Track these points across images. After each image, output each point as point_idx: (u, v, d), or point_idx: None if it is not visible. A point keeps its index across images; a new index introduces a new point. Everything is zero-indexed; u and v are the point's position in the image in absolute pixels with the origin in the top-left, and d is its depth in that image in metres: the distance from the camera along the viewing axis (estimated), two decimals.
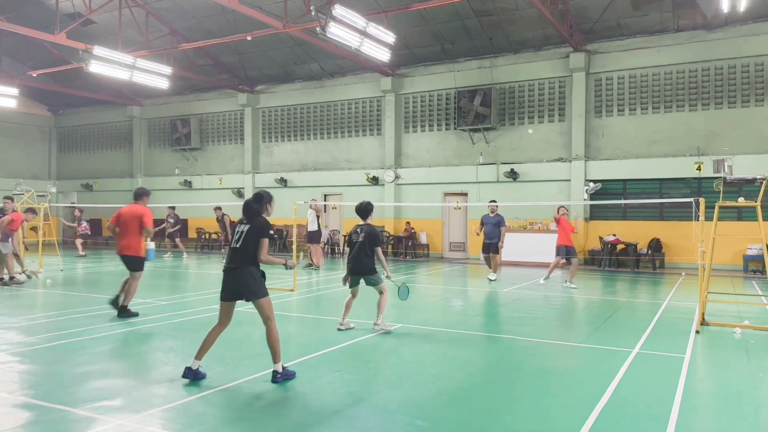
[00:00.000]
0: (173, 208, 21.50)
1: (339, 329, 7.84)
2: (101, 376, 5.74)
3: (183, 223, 26.16)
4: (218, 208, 19.09)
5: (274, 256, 5.72)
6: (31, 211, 13.91)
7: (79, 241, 20.40)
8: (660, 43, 17.85)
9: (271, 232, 5.56)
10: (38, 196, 16.40)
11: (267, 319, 5.53)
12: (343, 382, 5.64)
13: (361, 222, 7.98)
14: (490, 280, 13.78)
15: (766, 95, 16.75)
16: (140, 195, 9.06)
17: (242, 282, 5.46)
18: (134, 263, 8.85)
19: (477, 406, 4.98)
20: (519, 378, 5.87)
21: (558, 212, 13.37)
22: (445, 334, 7.97)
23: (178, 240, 21.12)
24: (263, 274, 5.56)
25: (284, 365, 5.58)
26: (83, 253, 20.11)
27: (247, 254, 5.45)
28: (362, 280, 7.81)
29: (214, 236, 24.34)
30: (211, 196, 25.73)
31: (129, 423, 4.47)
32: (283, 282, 13.23)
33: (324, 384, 5.53)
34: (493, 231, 13.77)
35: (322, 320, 9.04)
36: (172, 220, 21.12)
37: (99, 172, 29.59)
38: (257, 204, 5.63)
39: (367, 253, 7.67)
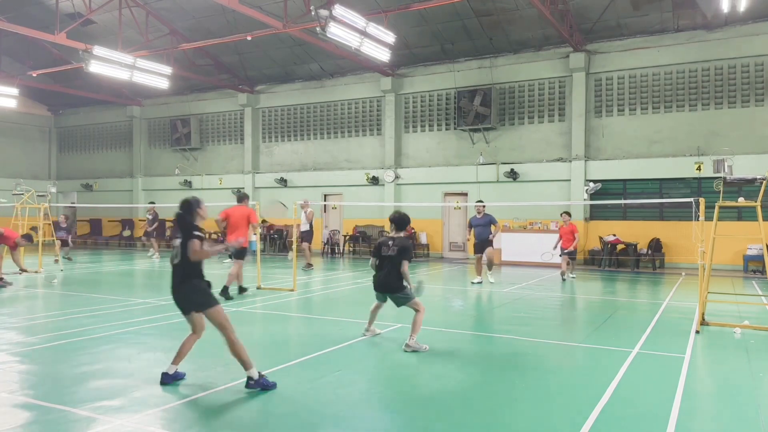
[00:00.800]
0: (153, 203, 21.28)
1: (364, 335, 7.51)
2: (101, 376, 5.73)
3: (170, 223, 26.18)
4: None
5: (209, 247, 5.46)
6: (27, 237, 13.34)
7: (58, 243, 18.85)
8: (660, 43, 17.85)
9: (197, 233, 5.40)
10: (38, 196, 16.38)
11: (222, 328, 5.36)
12: (343, 382, 5.64)
13: (394, 234, 7.24)
14: (491, 282, 13.48)
15: (766, 95, 16.75)
16: (243, 198, 11.23)
17: (187, 297, 5.41)
18: (240, 252, 10.98)
19: (477, 406, 4.98)
20: (519, 378, 5.87)
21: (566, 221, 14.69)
22: (445, 334, 7.96)
23: (153, 239, 20.83)
24: (209, 284, 5.47)
25: (261, 372, 5.35)
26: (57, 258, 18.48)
27: (185, 268, 5.35)
28: (389, 298, 7.21)
29: (213, 236, 24.34)
30: (211, 196, 25.70)
31: (129, 423, 4.47)
32: (283, 282, 13.24)
33: (324, 384, 5.53)
34: (484, 231, 13.41)
35: (322, 320, 9.04)
36: (150, 216, 20.83)
37: (99, 172, 29.59)
38: (186, 213, 5.50)
39: (396, 269, 6.98)
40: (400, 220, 7.21)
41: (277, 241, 23.46)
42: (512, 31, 18.89)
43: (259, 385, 5.25)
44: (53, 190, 17.51)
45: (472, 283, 13.48)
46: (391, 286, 7.04)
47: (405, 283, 7.01)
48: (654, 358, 6.63)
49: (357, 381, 5.71)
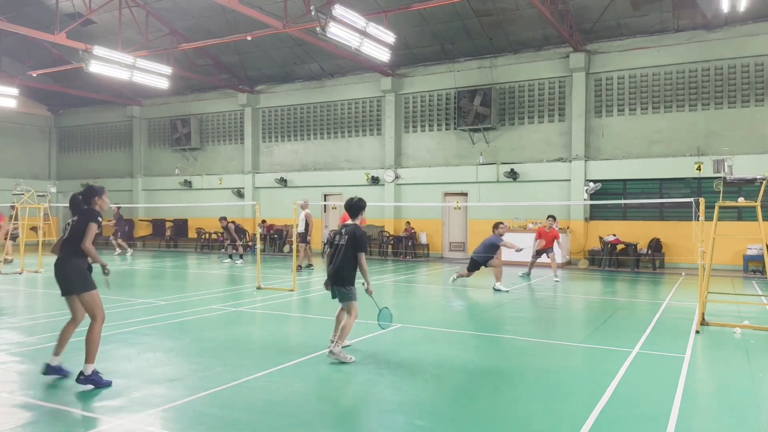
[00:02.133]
0: (119, 207, 21.86)
1: (330, 347, 6.56)
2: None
3: (170, 223, 26.18)
4: (223, 218, 19.16)
5: (101, 256, 5.50)
6: None
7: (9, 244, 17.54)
8: (660, 43, 17.85)
9: (99, 219, 5.42)
10: (38, 196, 16.39)
11: (92, 316, 5.40)
12: (343, 382, 5.64)
13: (349, 221, 6.77)
14: (498, 289, 12.25)
15: (766, 95, 16.75)
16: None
17: (66, 277, 5.41)
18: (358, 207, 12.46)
19: (477, 406, 4.98)
20: (519, 378, 5.87)
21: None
22: (445, 334, 7.96)
23: (112, 238, 21.55)
24: (89, 267, 5.47)
25: (96, 369, 5.30)
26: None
27: (71, 245, 5.36)
28: (335, 290, 6.64)
29: (214, 236, 24.36)
30: (211, 196, 25.74)
31: (129, 423, 4.47)
32: (284, 282, 13.24)
33: (324, 384, 5.53)
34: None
35: (322, 320, 9.04)
36: (114, 218, 21.60)
37: (99, 172, 29.57)
38: (84, 199, 5.53)
39: (348, 260, 6.45)
40: (351, 207, 6.72)
41: (277, 241, 23.46)
42: (512, 31, 18.88)
43: (90, 381, 5.22)
44: (53, 190, 17.50)
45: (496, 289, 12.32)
46: (339, 278, 6.49)
47: (351, 283, 6.50)
48: (654, 358, 6.63)
49: (357, 381, 5.71)
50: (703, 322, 8.33)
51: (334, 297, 6.75)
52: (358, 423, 4.59)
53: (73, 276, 5.39)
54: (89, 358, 5.29)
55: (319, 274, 15.85)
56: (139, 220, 27.64)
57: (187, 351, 6.80)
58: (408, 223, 21.45)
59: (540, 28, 18.41)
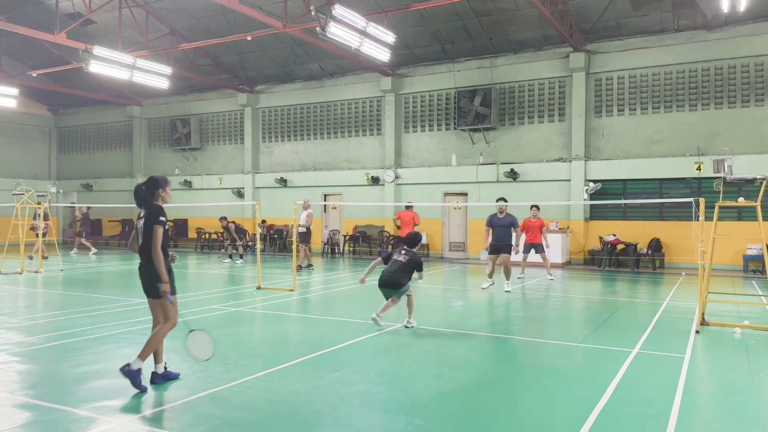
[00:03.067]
0: (89, 208, 22.55)
1: (374, 318, 8.09)
2: (101, 376, 5.73)
3: (170, 223, 26.16)
4: (224, 218, 19.16)
5: (165, 266, 5.22)
6: None
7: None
8: (660, 43, 17.84)
9: (162, 218, 5.24)
10: (38, 196, 16.40)
11: (165, 317, 5.33)
12: (343, 382, 5.64)
13: (406, 247, 8.45)
14: (507, 291, 11.98)
15: (766, 95, 16.75)
16: (410, 207, 16.89)
17: (147, 278, 5.31)
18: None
19: (477, 406, 4.98)
20: (519, 378, 5.87)
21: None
22: (445, 334, 7.96)
23: (82, 239, 22.24)
24: (170, 270, 5.35)
25: (161, 370, 5.39)
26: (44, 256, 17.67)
27: (148, 248, 5.22)
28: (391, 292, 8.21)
29: (214, 236, 24.36)
30: (211, 196, 25.74)
31: (129, 423, 4.47)
32: (284, 282, 13.24)
33: (324, 384, 5.53)
34: (503, 233, 12.17)
35: (322, 320, 9.04)
36: (81, 217, 22.48)
37: (99, 172, 29.59)
38: (148, 190, 5.39)
39: (405, 273, 8.16)
40: (410, 240, 8.60)
41: (277, 241, 23.47)
42: (512, 31, 18.88)
43: (129, 375, 5.12)
44: (53, 190, 17.51)
45: (483, 288, 12.17)
46: (398, 285, 8.11)
47: (405, 285, 8.18)
48: (654, 358, 6.63)
49: (357, 381, 5.71)
50: (703, 322, 8.33)
51: (388, 297, 8.26)
52: (358, 423, 4.59)
53: (152, 282, 5.29)
54: (142, 354, 5.23)
55: (319, 274, 15.85)
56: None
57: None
58: None
59: (540, 28, 18.41)
